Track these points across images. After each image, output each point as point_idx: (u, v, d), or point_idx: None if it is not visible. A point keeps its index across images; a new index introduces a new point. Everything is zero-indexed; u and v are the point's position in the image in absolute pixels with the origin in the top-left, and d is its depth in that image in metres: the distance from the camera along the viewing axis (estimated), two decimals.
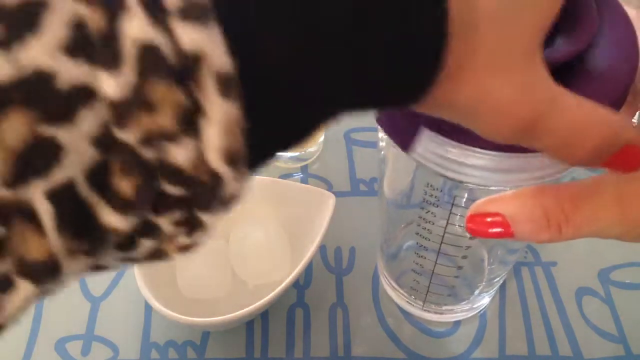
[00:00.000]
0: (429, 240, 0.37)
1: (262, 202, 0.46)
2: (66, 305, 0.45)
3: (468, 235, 0.35)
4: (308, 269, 0.47)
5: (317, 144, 0.52)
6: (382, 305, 0.45)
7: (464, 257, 0.37)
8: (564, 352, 0.43)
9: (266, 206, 0.46)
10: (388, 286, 0.45)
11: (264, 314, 0.44)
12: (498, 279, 0.42)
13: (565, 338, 0.43)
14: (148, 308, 0.45)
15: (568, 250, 0.48)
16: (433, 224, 0.36)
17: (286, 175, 0.52)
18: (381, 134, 0.33)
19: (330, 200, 0.43)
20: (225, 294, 0.43)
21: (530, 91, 0.18)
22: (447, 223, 0.35)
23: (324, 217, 0.42)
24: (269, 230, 0.44)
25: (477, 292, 0.43)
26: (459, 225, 0.35)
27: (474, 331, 0.44)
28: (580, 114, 0.19)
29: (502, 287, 0.46)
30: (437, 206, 0.34)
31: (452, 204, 0.33)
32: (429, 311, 0.43)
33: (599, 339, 0.43)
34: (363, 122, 0.55)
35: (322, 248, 0.48)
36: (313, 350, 0.43)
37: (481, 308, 0.44)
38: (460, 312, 0.44)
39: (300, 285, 0.46)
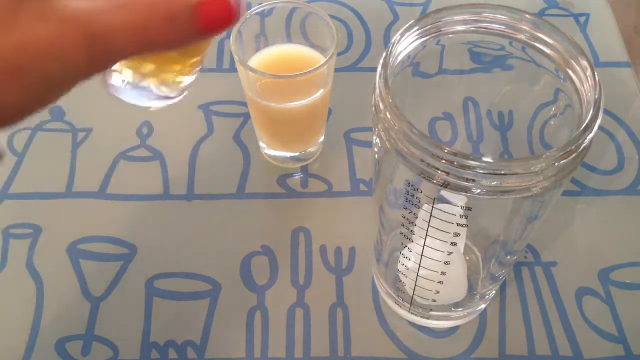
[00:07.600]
0: (412, 241, 0.37)
1: None
2: (66, 305, 0.45)
3: (449, 240, 0.35)
4: (308, 269, 0.47)
5: (317, 144, 0.52)
6: (382, 305, 0.45)
7: (447, 262, 0.37)
8: (564, 352, 0.43)
9: None
10: (382, 290, 0.45)
11: (264, 314, 0.45)
12: (487, 290, 0.42)
13: (565, 338, 0.44)
14: (148, 308, 0.45)
15: (568, 250, 0.48)
16: (415, 224, 0.35)
17: (286, 175, 0.52)
18: (374, 135, 0.33)
19: None
20: None
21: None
22: (428, 225, 0.34)
23: None
24: None
25: (466, 301, 0.42)
26: (438, 229, 0.34)
27: (474, 331, 0.44)
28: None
29: (502, 287, 0.46)
30: (419, 207, 0.34)
31: (432, 207, 0.33)
32: (415, 315, 0.43)
33: (599, 339, 0.43)
34: (363, 122, 0.55)
35: (322, 248, 0.48)
36: (313, 350, 0.43)
37: (472, 317, 0.44)
38: (454, 318, 0.43)
39: (300, 285, 0.46)
